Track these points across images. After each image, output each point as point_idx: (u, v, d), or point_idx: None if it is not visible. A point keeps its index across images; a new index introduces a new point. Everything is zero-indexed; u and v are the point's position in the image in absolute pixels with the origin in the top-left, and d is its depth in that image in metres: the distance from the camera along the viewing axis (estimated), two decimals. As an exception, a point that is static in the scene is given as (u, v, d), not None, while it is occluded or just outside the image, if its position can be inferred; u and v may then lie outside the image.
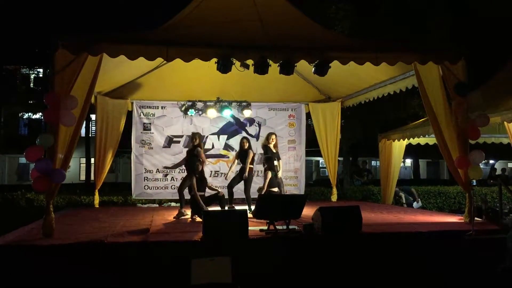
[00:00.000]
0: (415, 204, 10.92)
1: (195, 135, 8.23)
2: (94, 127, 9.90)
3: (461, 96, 6.38)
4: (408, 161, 31.56)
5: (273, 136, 8.40)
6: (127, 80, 9.22)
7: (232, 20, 6.79)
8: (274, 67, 6.33)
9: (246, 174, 8.02)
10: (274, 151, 8.30)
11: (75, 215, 7.80)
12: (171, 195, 10.07)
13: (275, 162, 8.21)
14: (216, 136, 10.42)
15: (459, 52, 6.47)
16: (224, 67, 6.18)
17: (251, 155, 8.16)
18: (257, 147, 9.51)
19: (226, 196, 7.93)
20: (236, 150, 10.17)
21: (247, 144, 8.23)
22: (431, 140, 9.62)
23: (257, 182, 8.52)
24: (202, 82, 9.23)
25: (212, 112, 10.05)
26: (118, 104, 9.60)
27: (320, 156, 11.05)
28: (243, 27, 6.67)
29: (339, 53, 6.28)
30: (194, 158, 7.74)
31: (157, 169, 10.10)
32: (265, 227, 5.59)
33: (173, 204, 9.89)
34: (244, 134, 10.41)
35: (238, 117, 10.45)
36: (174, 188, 9.88)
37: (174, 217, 7.32)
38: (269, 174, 8.03)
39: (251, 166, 8.17)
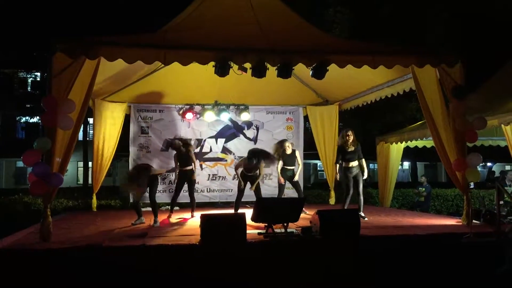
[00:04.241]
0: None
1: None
2: (92, 131, 9.86)
3: (458, 99, 6.40)
4: (406, 164, 31.60)
5: (349, 132, 7.53)
6: (125, 84, 9.20)
7: (229, 24, 6.80)
8: (271, 70, 6.34)
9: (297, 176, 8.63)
10: (352, 148, 7.48)
11: (73, 219, 7.78)
12: (169, 199, 9.98)
13: (353, 163, 7.47)
14: (214, 139, 10.41)
15: (456, 55, 6.50)
16: (222, 71, 6.19)
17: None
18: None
19: None
20: (233, 154, 10.31)
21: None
22: (428, 143, 9.65)
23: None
24: (200, 86, 9.23)
25: (210, 116, 10.06)
26: (116, 108, 9.59)
27: (318, 159, 11.05)
28: (241, 30, 6.67)
29: (336, 56, 6.29)
30: None
31: (155, 172, 10.05)
32: (264, 231, 5.59)
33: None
34: (242, 137, 10.44)
35: (236, 121, 10.44)
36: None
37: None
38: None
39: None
